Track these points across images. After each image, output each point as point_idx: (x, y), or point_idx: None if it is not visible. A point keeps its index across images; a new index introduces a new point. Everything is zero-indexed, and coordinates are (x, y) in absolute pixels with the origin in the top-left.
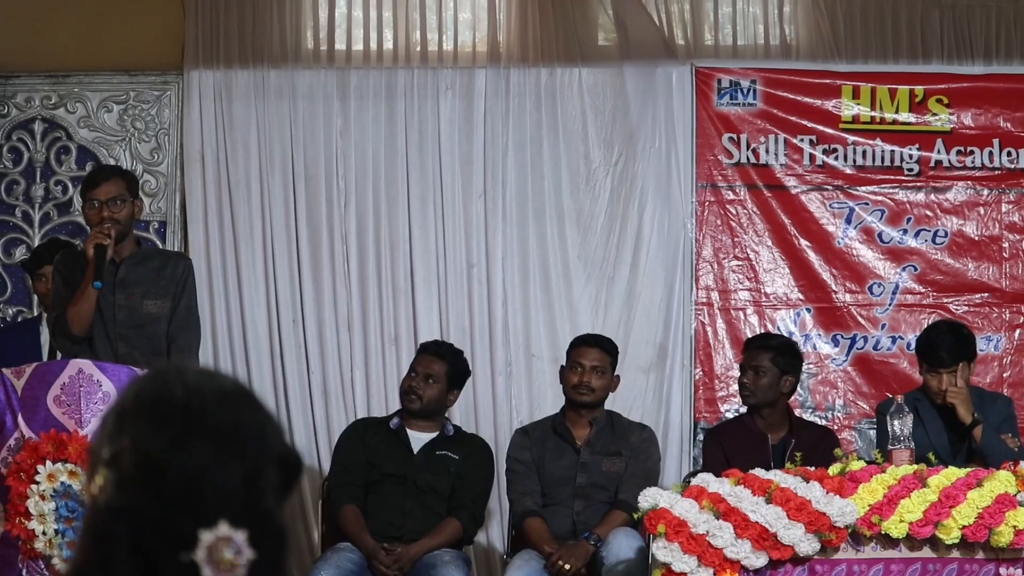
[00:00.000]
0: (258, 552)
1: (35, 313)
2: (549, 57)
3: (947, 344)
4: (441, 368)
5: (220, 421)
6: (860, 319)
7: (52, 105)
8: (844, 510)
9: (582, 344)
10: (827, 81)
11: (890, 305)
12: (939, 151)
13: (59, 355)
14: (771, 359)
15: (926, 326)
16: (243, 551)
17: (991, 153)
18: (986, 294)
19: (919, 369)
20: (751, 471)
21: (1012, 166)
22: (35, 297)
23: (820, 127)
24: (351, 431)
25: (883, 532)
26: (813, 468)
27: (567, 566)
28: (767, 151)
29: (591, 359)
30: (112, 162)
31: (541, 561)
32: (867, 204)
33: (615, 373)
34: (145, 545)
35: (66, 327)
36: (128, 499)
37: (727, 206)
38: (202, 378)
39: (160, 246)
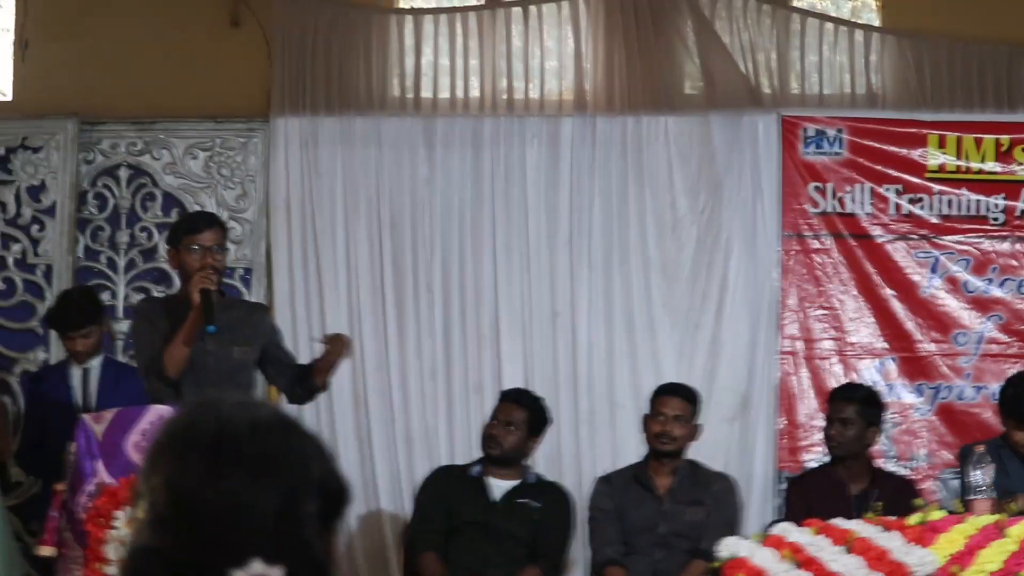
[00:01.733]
0: None
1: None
2: (635, 106)
3: None
4: (521, 415)
5: (252, 451)
6: (944, 369)
7: (138, 151)
8: (924, 560)
9: (664, 393)
10: (913, 130)
11: (975, 355)
12: None
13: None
14: (857, 411)
15: (1008, 378)
16: None
17: None
18: None
19: (1001, 420)
20: (831, 521)
21: None
22: (118, 344)
23: (906, 176)
24: (432, 478)
25: None
26: (893, 518)
27: None
28: (853, 200)
29: (673, 408)
30: (197, 208)
31: None
32: (952, 253)
33: (697, 422)
34: None
35: (161, 369)
36: (160, 538)
37: (812, 255)
38: (237, 409)
39: (245, 293)
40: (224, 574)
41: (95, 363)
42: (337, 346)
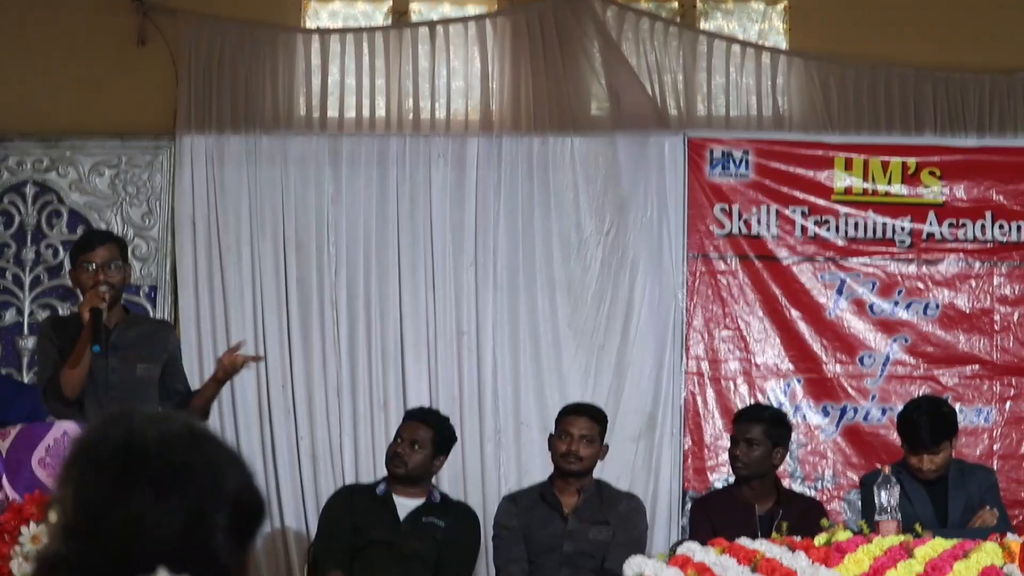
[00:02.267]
0: None
1: (25, 378)
2: (541, 126)
3: (927, 426)
4: (427, 434)
5: (161, 464)
6: (850, 390)
7: (44, 168)
8: None
9: (571, 413)
10: (820, 152)
11: (880, 376)
12: (931, 223)
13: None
14: (763, 431)
15: (906, 404)
16: None
17: (983, 226)
18: (977, 366)
19: (901, 445)
20: (737, 540)
21: (1004, 239)
22: (24, 360)
23: (812, 198)
24: (337, 497)
25: None
26: (799, 538)
27: None
28: (759, 222)
29: (580, 428)
30: (103, 226)
31: None
32: (858, 276)
33: (604, 442)
34: None
35: (59, 390)
36: (69, 546)
37: (718, 276)
38: (149, 422)
39: (151, 310)
40: None
41: None
42: (233, 360)
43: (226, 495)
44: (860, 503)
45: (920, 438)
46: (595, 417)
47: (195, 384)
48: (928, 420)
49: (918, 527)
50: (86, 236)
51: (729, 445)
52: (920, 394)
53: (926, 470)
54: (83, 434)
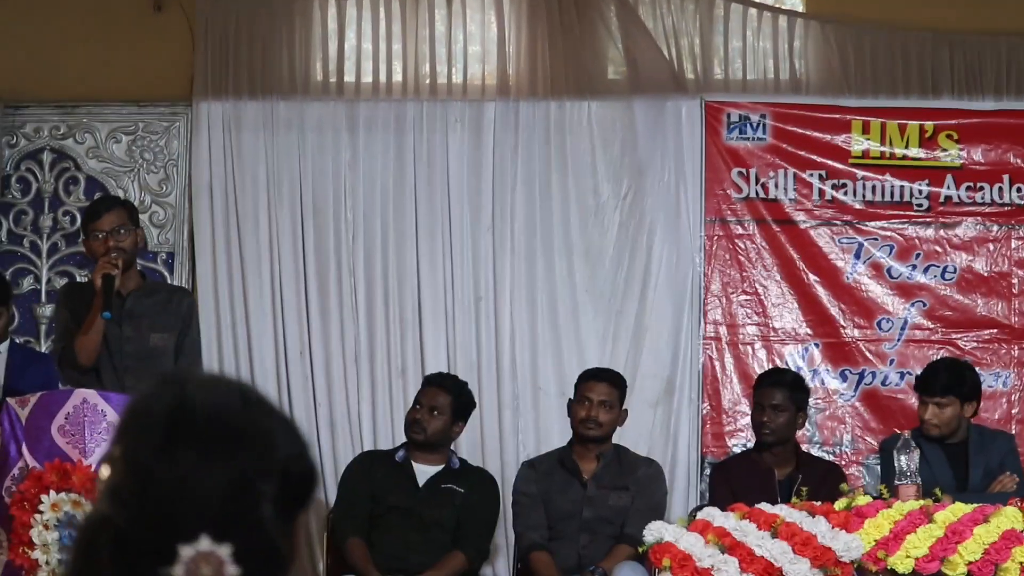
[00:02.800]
0: (244, 568)
1: (43, 346)
2: (558, 91)
3: (942, 374)
4: (446, 400)
5: (209, 428)
6: (868, 354)
7: (61, 136)
8: (850, 545)
9: (590, 378)
10: (837, 116)
11: (898, 341)
12: (949, 187)
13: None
14: (788, 396)
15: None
16: (226, 567)
17: (1001, 189)
18: (995, 330)
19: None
20: (757, 506)
21: (1022, 202)
22: (42, 328)
23: (830, 162)
24: (357, 464)
25: (889, 567)
26: (819, 503)
27: None
28: (776, 186)
29: (599, 393)
30: (121, 193)
31: None
32: (876, 239)
33: (623, 407)
34: (126, 558)
35: (73, 358)
36: (113, 509)
37: (736, 240)
38: (202, 385)
39: (168, 277)
40: (172, 548)
41: (1, 348)
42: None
43: (275, 464)
44: (880, 468)
45: (929, 383)
46: (614, 382)
47: (210, 353)
48: (944, 368)
49: (938, 491)
50: (92, 205)
51: (749, 410)
52: (938, 358)
53: (929, 422)
54: (136, 396)
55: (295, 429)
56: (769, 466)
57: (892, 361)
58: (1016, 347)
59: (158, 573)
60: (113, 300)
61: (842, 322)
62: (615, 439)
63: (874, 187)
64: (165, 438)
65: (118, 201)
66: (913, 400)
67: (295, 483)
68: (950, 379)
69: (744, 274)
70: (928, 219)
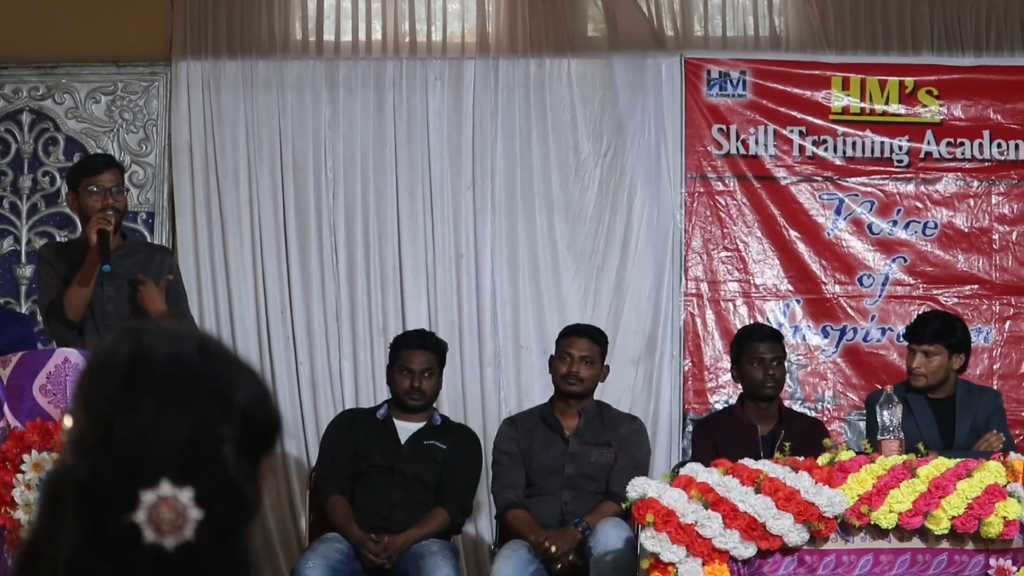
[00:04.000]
0: (208, 511)
1: (23, 307)
2: (538, 48)
3: (932, 322)
4: (433, 359)
5: (168, 376)
6: (849, 310)
7: (40, 96)
8: (833, 500)
9: (571, 334)
10: (817, 72)
11: (880, 297)
12: (929, 142)
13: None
14: (783, 349)
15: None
16: (188, 511)
17: (981, 145)
18: (976, 286)
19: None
20: (740, 461)
21: (1002, 158)
22: (22, 288)
23: (810, 118)
24: (338, 421)
25: (872, 522)
26: (802, 459)
27: (554, 548)
28: (756, 142)
29: (580, 349)
30: (99, 151)
31: (529, 552)
32: (857, 195)
33: (605, 363)
34: (90, 506)
35: (61, 312)
36: (76, 459)
37: (716, 197)
38: (159, 336)
39: (148, 237)
40: (134, 495)
41: None
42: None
43: (236, 408)
44: (865, 423)
45: (918, 331)
46: (595, 338)
47: (192, 311)
48: (934, 318)
49: (921, 446)
50: (90, 159)
51: (730, 367)
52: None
53: (916, 370)
54: (96, 348)
55: (256, 375)
56: (752, 422)
57: (873, 317)
58: (997, 302)
59: (121, 520)
60: (110, 253)
61: (823, 278)
62: (597, 396)
63: (854, 143)
64: (124, 386)
65: (115, 161)
66: (895, 356)
67: (258, 426)
68: (940, 328)
69: (725, 231)
70: (908, 175)
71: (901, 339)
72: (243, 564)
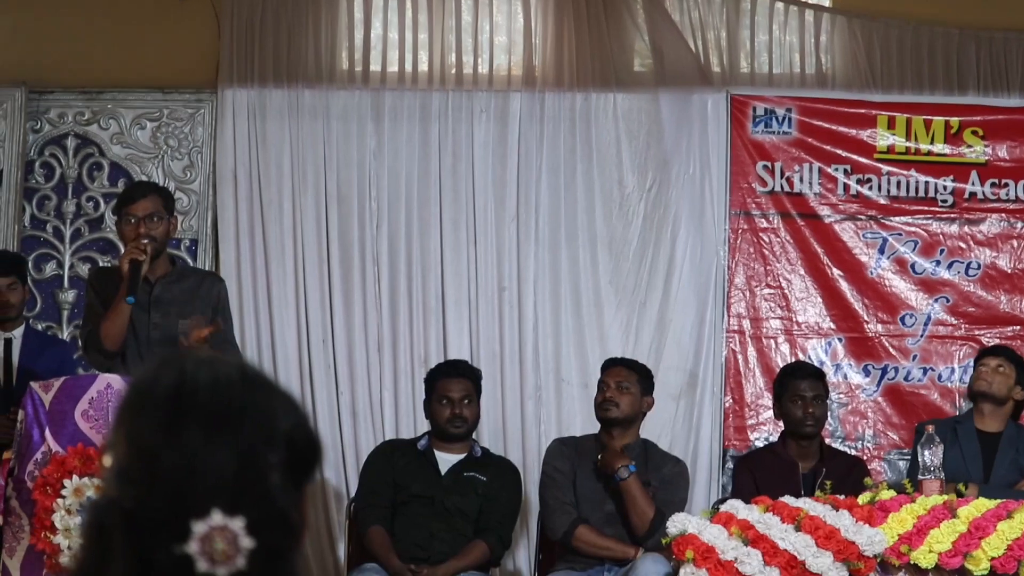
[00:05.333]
0: (258, 539)
1: (65, 332)
2: (584, 82)
3: (1006, 347)
4: (472, 387)
5: (212, 405)
6: (891, 350)
7: (85, 121)
8: (873, 539)
9: (608, 365)
10: (862, 111)
11: (922, 336)
12: (973, 183)
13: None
14: (824, 388)
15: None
16: (240, 540)
17: None
18: (1018, 327)
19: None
20: (781, 499)
21: None
22: (64, 313)
23: (855, 157)
24: (379, 452)
25: (912, 562)
26: (843, 497)
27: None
28: (801, 180)
29: (616, 376)
30: (144, 179)
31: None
32: (900, 235)
33: (648, 396)
34: (138, 538)
35: (99, 342)
36: (121, 491)
37: (760, 234)
38: (200, 364)
39: (192, 264)
40: (185, 526)
41: (17, 333)
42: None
43: (279, 435)
44: (910, 460)
45: (996, 347)
46: (632, 367)
47: (236, 338)
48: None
49: (962, 487)
50: (129, 189)
51: (771, 404)
52: (961, 354)
53: (983, 374)
54: (136, 378)
55: (294, 401)
56: (793, 459)
57: (915, 357)
58: None
59: (172, 551)
60: (140, 285)
61: (865, 317)
62: (643, 433)
63: (899, 182)
64: (169, 417)
65: (154, 187)
66: (936, 396)
67: (300, 453)
68: (1013, 354)
69: (768, 267)
70: (952, 215)
71: (941, 380)
72: None
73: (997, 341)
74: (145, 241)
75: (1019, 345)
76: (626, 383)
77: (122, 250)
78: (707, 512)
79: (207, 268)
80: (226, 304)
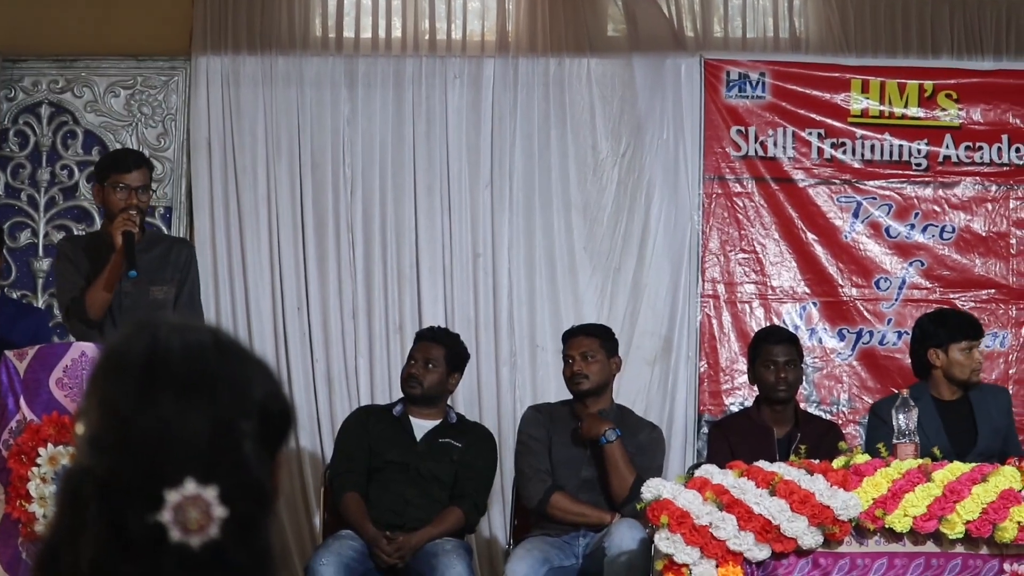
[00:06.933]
0: (231, 508)
1: (40, 300)
2: (558, 47)
3: (975, 320)
4: (440, 352)
5: (186, 372)
6: (866, 314)
7: (59, 89)
8: (848, 503)
9: (568, 336)
10: (836, 75)
11: (896, 300)
12: (948, 146)
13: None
14: (797, 351)
15: (931, 311)
16: (213, 509)
17: (1000, 149)
18: (993, 290)
19: (932, 355)
20: (755, 463)
21: (1020, 162)
22: (39, 282)
23: (829, 121)
24: (354, 418)
25: (887, 526)
26: (817, 461)
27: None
28: (775, 144)
29: (578, 347)
30: (118, 147)
31: (543, 552)
32: (875, 199)
33: (614, 357)
34: (111, 507)
35: (83, 311)
36: (94, 459)
37: (734, 199)
38: (173, 331)
39: (166, 232)
40: (158, 494)
41: None
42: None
43: (253, 403)
44: (865, 430)
45: (975, 326)
46: (592, 333)
47: (208, 308)
48: (970, 315)
49: (936, 451)
50: (121, 156)
51: (746, 369)
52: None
53: (980, 365)
54: (108, 345)
55: (268, 368)
56: (768, 424)
57: (890, 320)
58: (1013, 307)
59: (145, 520)
60: (135, 257)
61: (840, 281)
62: (617, 399)
63: (873, 146)
64: (142, 384)
65: (145, 160)
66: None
67: (274, 421)
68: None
69: (742, 232)
70: (927, 179)
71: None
72: (266, 558)
73: (972, 304)
74: (133, 212)
75: (994, 308)
76: (590, 352)
77: (97, 217)
78: (682, 477)
79: (181, 236)
80: (195, 269)
